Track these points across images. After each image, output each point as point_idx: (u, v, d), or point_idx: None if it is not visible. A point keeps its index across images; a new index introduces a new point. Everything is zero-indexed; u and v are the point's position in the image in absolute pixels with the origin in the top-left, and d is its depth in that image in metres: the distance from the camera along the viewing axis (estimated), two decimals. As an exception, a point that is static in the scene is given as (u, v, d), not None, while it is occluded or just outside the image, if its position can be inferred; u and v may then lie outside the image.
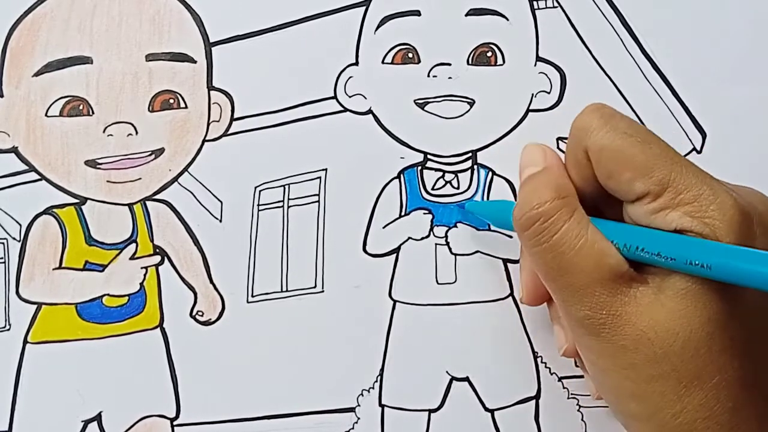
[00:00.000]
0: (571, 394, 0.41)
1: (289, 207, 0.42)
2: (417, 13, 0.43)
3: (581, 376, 0.41)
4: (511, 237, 0.42)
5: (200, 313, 0.42)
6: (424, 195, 0.42)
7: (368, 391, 0.41)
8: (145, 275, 0.42)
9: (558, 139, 0.42)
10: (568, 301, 0.33)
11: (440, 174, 0.43)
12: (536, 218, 0.33)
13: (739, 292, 0.31)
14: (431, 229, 0.42)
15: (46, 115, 0.42)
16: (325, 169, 0.42)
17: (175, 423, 0.41)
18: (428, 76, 0.42)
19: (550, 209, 0.33)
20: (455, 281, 0.42)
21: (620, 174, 0.33)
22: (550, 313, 0.40)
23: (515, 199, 0.42)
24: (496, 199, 0.42)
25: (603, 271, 0.32)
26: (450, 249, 0.42)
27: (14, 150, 0.42)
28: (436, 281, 0.42)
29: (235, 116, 0.42)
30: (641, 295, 0.31)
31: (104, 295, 0.42)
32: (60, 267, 0.42)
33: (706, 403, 0.30)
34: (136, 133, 0.42)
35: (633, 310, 0.31)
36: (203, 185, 0.42)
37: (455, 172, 0.43)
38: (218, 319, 0.42)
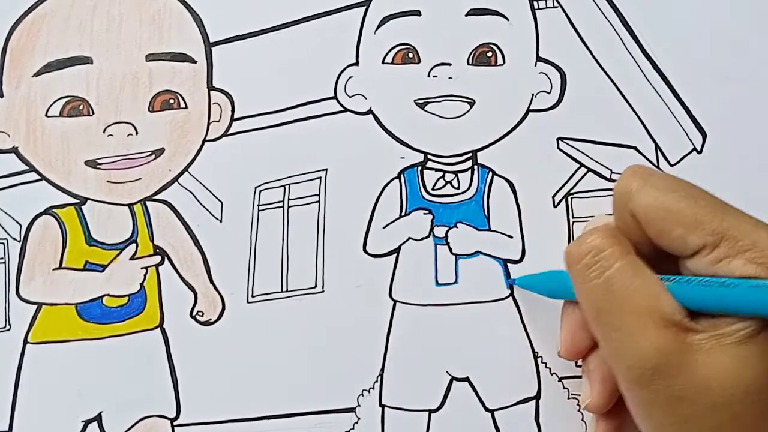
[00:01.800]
0: (572, 394, 0.41)
1: (289, 207, 0.42)
2: (417, 13, 0.43)
3: (581, 376, 0.41)
4: (511, 237, 0.42)
5: (200, 314, 0.42)
6: (425, 195, 0.42)
7: (368, 391, 0.41)
8: (145, 275, 0.42)
9: (558, 139, 0.42)
10: (617, 345, 0.32)
11: (440, 174, 0.43)
12: (587, 250, 0.33)
13: None
14: (431, 230, 0.42)
15: (46, 115, 0.42)
16: (326, 169, 0.42)
17: (175, 423, 0.41)
18: (428, 76, 0.42)
19: (603, 244, 0.33)
20: (455, 281, 0.42)
21: (671, 231, 0.32)
22: (583, 365, 0.38)
23: (516, 201, 0.42)
24: (546, 271, 0.41)
25: (657, 316, 0.31)
26: (450, 249, 0.42)
27: (14, 150, 0.42)
28: (436, 281, 0.42)
29: (235, 116, 0.42)
30: (699, 343, 0.30)
31: (104, 295, 0.42)
32: (60, 267, 0.42)
33: None
34: (137, 133, 0.42)
35: (689, 359, 0.30)
36: (203, 185, 0.42)
37: (455, 173, 0.43)
38: (218, 319, 0.42)
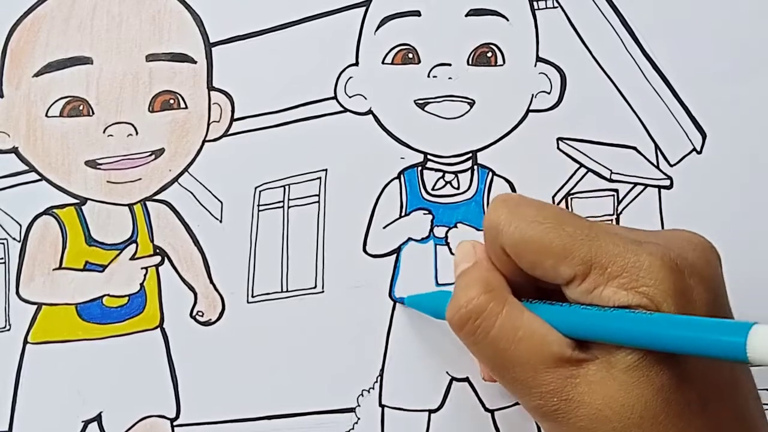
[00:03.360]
0: (572, 394, 0.41)
1: (289, 207, 0.42)
2: (417, 13, 0.43)
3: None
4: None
5: (200, 314, 0.42)
6: (424, 195, 0.42)
7: (368, 392, 0.41)
8: (145, 275, 0.42)
9: (558, 139, 0.42)
10: (518, 393, 0.32)
11: (440, 174, 0.43)
12: (467, 317, 0.32)
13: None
14: (431, 230, 0.42)
15: (46, 115, 0.42)
16: (326, 170, 0.42)
17: (175, 423, 0.41)
18: (428, 76, 0.42)
19: (479, 305, 0.32)
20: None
21: (542, 263, 0.32)
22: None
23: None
24: (432, 291, 0.41)
25: (546, 358, 0.31)
26: (450, 249, 0.42)
27: (14, 150, 0.42)
28: (436, 282, 0.42)
29: (236, 116, 0.42)
30: (591, 374, 0.31)
31: (104, 295, 0.42)
32: (60, 267, 0.42)
33: None
34: (137, 133, 0.42)
35: (585, 390, 0.30)
36: (203, 185, 0.42)
37: (455, 173, 0.43)
38: (218, 319, 0.42)
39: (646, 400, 0.30)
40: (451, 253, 0.42)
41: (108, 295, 0.42)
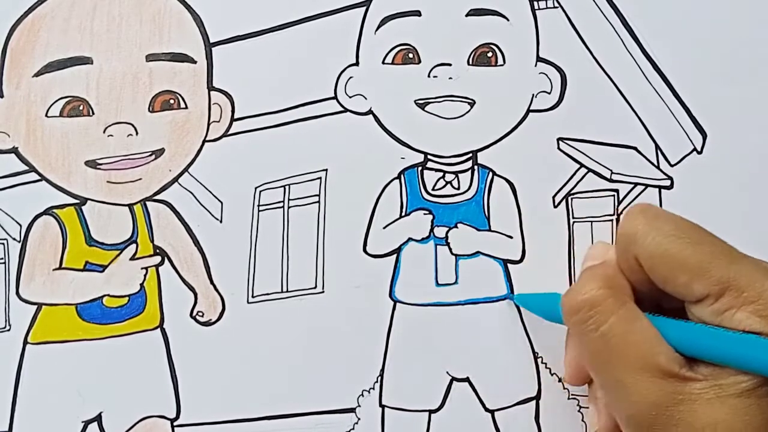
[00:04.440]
0: (572, 394, 0.41)
1: (289, 207, 0.42)
2: (417, 13, 0.43)
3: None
4: (512, 238, 0.42)
5: (200, 314, 0.42)
6: (425, 195, 0.42)
7: (368, 392, 0.41)
8: (145, 276, 0.42)
9: (558, 139, 0.42)
10: (616, 397, 0.32)
11: (440, 174, 0.43)
12: (582, 305, 0.32)
13: None
14: (431, 230, 0.42)
15: (46, 115, 0.42)
16: (326, 170, 0.42)
17: (175, 423, 0.41)
18: (428, 76, 0.42)
19: (598, 297, 0.32)
20: (455, 282, 0.42)
21: (676, 278, 0.32)
22: (589, 392, 0.39)
23: (516, 202, 0.42)
24: (546, 292, 0.41)
25: (653, 368, 0.31)
26: (450, 249, 0.42)
27: (14, 150, 0.42)
28: (437, 282, 0.42)
29: (236, 116, 0.42)
30: (696, 394, 0.30)
31: (104, 295, 0.42)
32: (60, 267, 0.42)
33: None
34: (137, 133, 0.42)
35: (686, 409, 0.30)
36: (203, 185, 0.42)
37: (455, 173, 0.43)
38: (218, 319, 0.42)
39: (756, 427, 0.30)
40: (452, 253, 0.42)
41: (108, 295, 0.42)
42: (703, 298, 0.31)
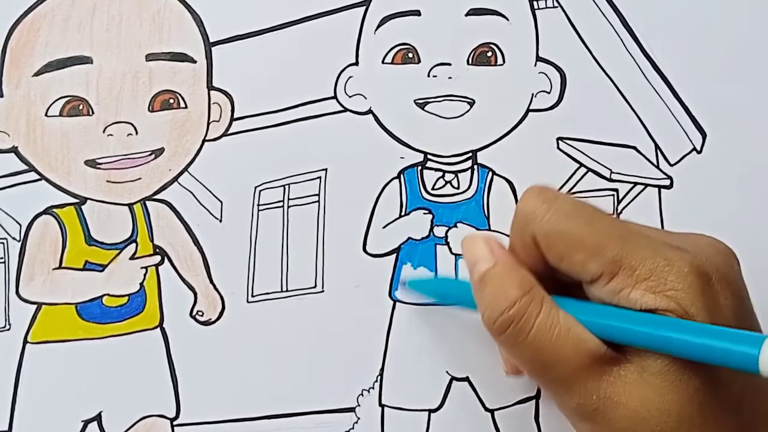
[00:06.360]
0: (571, 394, 0.41)
1: (289, 207, 0.42)
2: (417, 13, 0.43)
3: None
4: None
5: (200, 313, 0.42)
6: (424, 195, 0.42)
7: (368, 391, 0.41)
8: (145, 275, 0.42)
9: (558, 139, 0.42)
10: (558, 393, 0.32)
11: (440, 174, 0.43)
12: (509, 321, 0.32)
13: None
14: (431, 229, 0.42)
15: (46, 115, 0.42)
16: (325, 169, 0.42)
17: (175, 423, 0.41)
18: (428, 76, 0.42)
19: (521, 309, 0.32)
20: (455, 281, 0.42)
21: (571, 256, 0.32)
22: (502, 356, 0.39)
23: (515, 201, 0.42)
24: (437, 277, 0.41)
25: (584, 357, 0.31)
26: (450, 249, 0.42)
27: (14, 150, 0.42)
28: (436, 281, 0.42)
29: (235, 116, 0.42)
30: (625, 375, 0.31)
31: (104, 295, 0.42)
32: (60, 267, 0.42)
33: None
34: (136, 133, 0.42)
35: (621, 390, 0.30)
36: (203, 185, 0.42)
37: (455, 172, 0.43)
38: (218, 319, 0.42)
39: (682, 404, 0.30)
40: (452, 253, 0.42)
41: (108, 294, 0.42)
42: (597, 277, 0.31)
